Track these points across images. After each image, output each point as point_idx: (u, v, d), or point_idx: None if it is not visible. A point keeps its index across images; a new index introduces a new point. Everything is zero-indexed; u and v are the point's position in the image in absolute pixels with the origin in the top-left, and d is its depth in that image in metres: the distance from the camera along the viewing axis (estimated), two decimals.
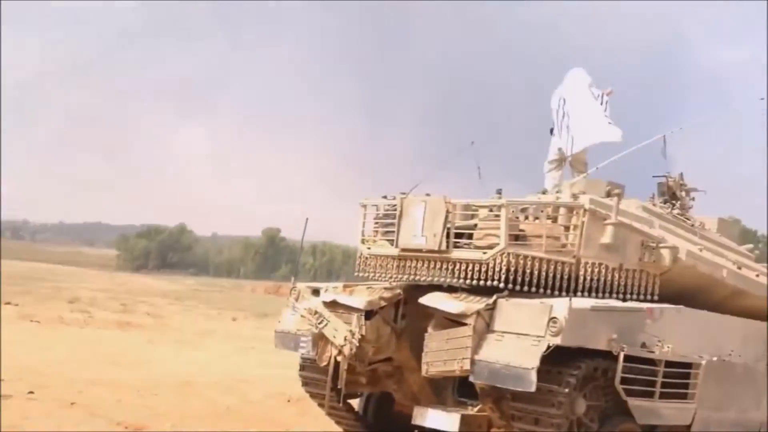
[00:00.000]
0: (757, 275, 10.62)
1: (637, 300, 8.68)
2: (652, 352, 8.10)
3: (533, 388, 7.38)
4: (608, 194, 9.22)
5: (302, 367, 10.05)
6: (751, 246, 11.87)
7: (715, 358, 8.81)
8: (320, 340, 9.11)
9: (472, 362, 7.75)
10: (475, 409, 8.66)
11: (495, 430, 8.68)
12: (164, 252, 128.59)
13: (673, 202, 10.56)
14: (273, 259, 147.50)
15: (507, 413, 8.08)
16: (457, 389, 9.07)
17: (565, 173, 10.45)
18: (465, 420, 8.55)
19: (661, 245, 8.88)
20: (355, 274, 9.53)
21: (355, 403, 10.44)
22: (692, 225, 10.33)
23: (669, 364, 8.24)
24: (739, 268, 10.22)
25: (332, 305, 9.12)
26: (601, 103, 10.03)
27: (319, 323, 9.07)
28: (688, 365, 8.52)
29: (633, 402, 8.04)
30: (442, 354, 8.03)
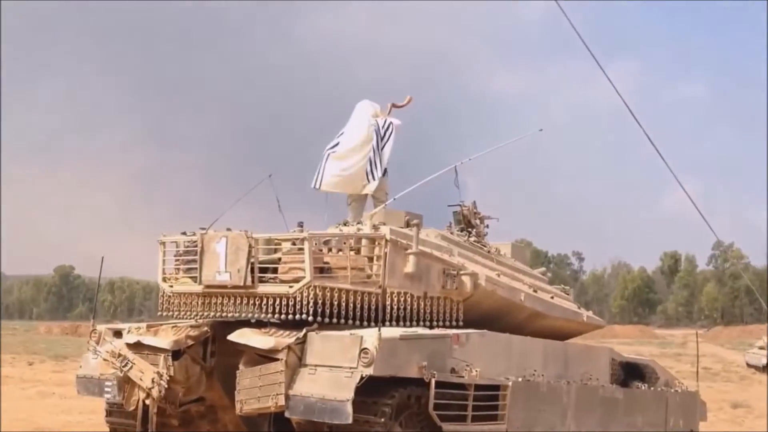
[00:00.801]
0: (552, 297, 11.16)
1: (443, 326, 8.91)
2: (462, 376, 8.31)
3: (350, 420, 7.42)
4: (407, 224, 9.43)
5: (109, 413, 9.71)
6: (544, 269, 12.49)
7: (520, 379, 9.13)
8: (126, 383, 8.84)
9: (287, 397, 7.72)
10: None
11: None
12: None
13: (469, 229, 10.91)
14: (68, 297, 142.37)
15: None
16: (273, 425, 8.98)
17: (368, 202, 10.60)
18: None
19: (461, 272, 9.17)
20: (159, 313, 9.30)
21: None
22: (488, 251, 10.73)
23: (478, 387, 8.47)
24: (535, 291, 10.70)
25: (136, 347, 8.87)
26: (383, 137, 10.25)
27: (123, 366, 8.80)
28: (496, 387, 8.79)
29: (447, 427, 8.20)
30: (255, 391, 7.94)
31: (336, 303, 8.24)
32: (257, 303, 8.43)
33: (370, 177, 10.17)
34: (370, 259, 8.54)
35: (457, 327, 8.99)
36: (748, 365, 42.94)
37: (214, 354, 9.05)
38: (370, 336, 7.61)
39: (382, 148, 10.27)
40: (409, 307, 8.70)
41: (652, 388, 11.80)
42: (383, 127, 10.33)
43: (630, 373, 11.80)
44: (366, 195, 10.42)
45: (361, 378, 7.45)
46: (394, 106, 10.75)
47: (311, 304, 8.12)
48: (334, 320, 8.21)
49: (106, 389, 9.03)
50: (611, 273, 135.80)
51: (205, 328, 8.98)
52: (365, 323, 8.29)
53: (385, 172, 10.39)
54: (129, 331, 9.13)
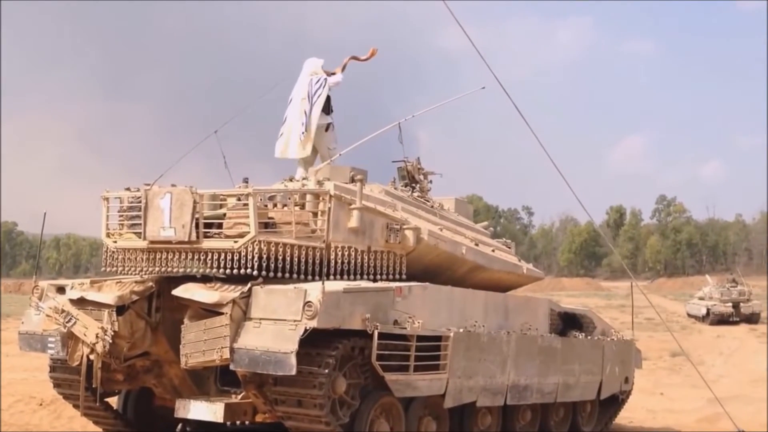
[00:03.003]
0: (493, 250, 11.36)
1: (387, 280, 9.07)
2: (404, 328, 8.48)
3: (294, 372, 7.56)
4: (352, 180, 9.53)
5: (53, 368, 9.78)
6: (486, 223, 12.67)
7: (461, 330, 9.32)
8: (70, 339, 8.82)
9: (232, 350, 7.83)
10: (239, 396, 8.79)
11: (261, 415, 8.82)
12: None
13: (413, 185, 11.04)
14: (11, 255, 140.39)
15: (270, 398, 8.23)
16: (219, 378, 9.15)
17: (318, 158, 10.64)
18: (229, 408, 8.65)
19: (404, 227, 9.34)
20: (103, 269, 9.31)
21: (114, 401, 10.23)
22: (432, 206, 10.89)
23: (420, 338, 8.66)
24: (477, 244, 10.89)
25: (80, 302, 8.85)
26: (314, 93, 10.21)
27: (67, 322, 8.77)
28: (438, 338, 8.97)
29: (390, 377, 8.42)
30: (200, 344, 8.04)
31: (280, 257, 8.33)
32: (202, 258, 8.51)
33: (301, 136, 10.21)
34: (315, 214, 8.65)
35: (400, 280, 9.15)
36: (689, 315, 44.05)
37: (159, 309, 9.08)
38: (313, 289, 7.72)
39: (313, 104, 10.28)
40: (352, 261, 8.84)
41: (589, 337, 12.10)
42: (316, 83, 10.33)
43: (568, 322, 12.08)
44: (314, 152, 10.47)
45: (305, 330, 7.58)
46: (354, 58, 10.73)
47: (256, 258, 8.21)
48: (279, 274, 8.31)
49: (50, 345, 9.05)
50: (559, 227, 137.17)
51: (150, 284, 9.00)
52: (309, 277, 8.39)
53: (330, 126, 10.46)
54: (72, 287, 9.12)
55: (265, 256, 8.27)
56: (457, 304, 9.57)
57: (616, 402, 13.16)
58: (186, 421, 9.66)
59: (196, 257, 8.55)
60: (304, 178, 9.71)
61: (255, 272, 8.19)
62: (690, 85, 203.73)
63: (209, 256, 8.42)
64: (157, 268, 8.79)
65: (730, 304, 41.20)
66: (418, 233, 9.42)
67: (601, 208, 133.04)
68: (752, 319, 40.75)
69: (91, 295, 8.82)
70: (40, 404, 12.89)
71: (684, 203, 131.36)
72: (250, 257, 8.21)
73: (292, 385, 7.92)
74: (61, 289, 9.24)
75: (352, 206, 8.80)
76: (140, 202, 8.70)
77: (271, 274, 8.28)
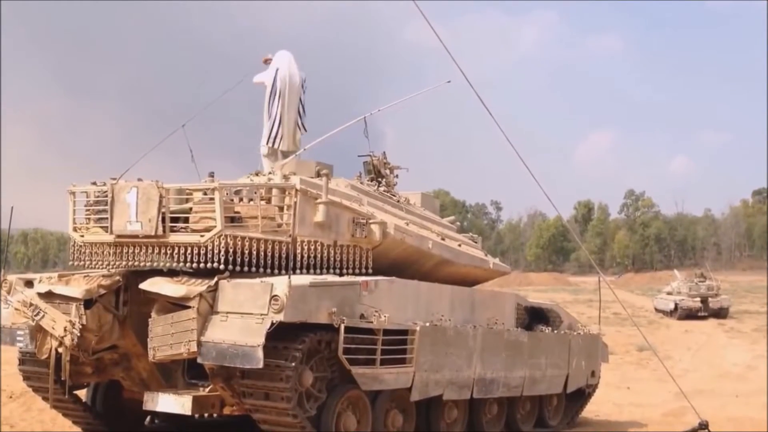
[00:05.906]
0: (459, 245, 11.45)
1: (353, 274, 9.15)
2: (371, 322, 8.54)
3: (261, 365, 7.63)
4: (318, 174, 9.60)
5: (21, 362, 9.81)
6: (453, 218, 12.74)
7: (428, 324, 9.40)
8: (38, 332, 8.88)
9: (199, 344, 7.88)
10: (207, 389, 8.84)
11: (228, 408, 8.88)
12: None
13: (379, 179, 11.10)
14: None
15: (238, 391, 8.30)
16: (186, 372, 9.21)
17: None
18: (197, 401, 8.70)
19: (370, 221, 9.40)
20: (70, 263, 9.33)
21: (84, 393, 10.27)
22: (398, 200, 10.95)
23: (387, 332, 8.72)
24: (443, 239, 10.97)
25: (48, 296, 8.90)
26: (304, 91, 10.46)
27: (35, 315, 8.82)
28: (405, 332, 9.05)
29: (356, 370, 8.49)
30: (167, 338, 8.09)
31: (247, 251, 8.40)
32: (169, 252, 8.53)
33: (302, 129, 10.39)
34: (281, 209, 8.71)
35: (367, 274, 9.23)
36: (657, 310, 44.37)
37: (126, 303, 9.14)
38: (280, 283, 7.77)
39: (304, 103, 10.52)
40: (319, 255, 8.91)
41: (555, 332, 12.20)
42: (304, 81, 10.55)
43: (535, 317, 12.17)
44: (278, 152, 10.56)
45: (272, 324, 7.63)
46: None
47: (222, 252, 8.26)
48: (246, 268, 8.38)
49: (18, 338, 9.16)
50: (527, 222, 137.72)
51: (117, 278, 9.04)
52: (276, 271, 8.46)
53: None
54: (40, 281, 9.15)
55: (231, 251, 8.32)
56: (423, 299, 9.64)
57: (582, 396, 13.32)
58: (155, 414, 9.71)
59: (162, 251, 8.56)
60: (270, 173, 9.76)
61: (221, 266, 8.24)
62: (657, 81, 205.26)
63: (176, 250, 8.46)
64: (124, 262, 8.81)
65: (699, 298, 41.41)
66: (384, 228, 9.49)
67: (569, 203, 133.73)
68: (720, 314, 40.97)
69: (59, 289, 8.87)
70: (10, 397, 12.91)
71: (652, 198, 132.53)
72: (216, 251, 8.26)
73: (259, 378, 7.98)
74: (29, 283, 9.26)
75: (318, 201, 8.86)
76: (107, 196, 8.72)
77: (238, 268, 8.33)
